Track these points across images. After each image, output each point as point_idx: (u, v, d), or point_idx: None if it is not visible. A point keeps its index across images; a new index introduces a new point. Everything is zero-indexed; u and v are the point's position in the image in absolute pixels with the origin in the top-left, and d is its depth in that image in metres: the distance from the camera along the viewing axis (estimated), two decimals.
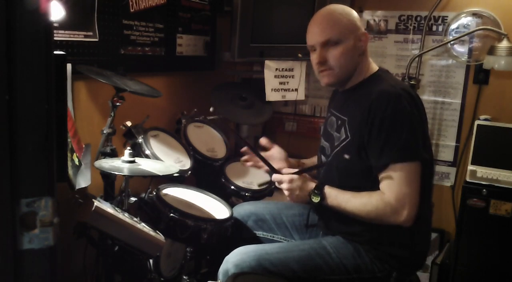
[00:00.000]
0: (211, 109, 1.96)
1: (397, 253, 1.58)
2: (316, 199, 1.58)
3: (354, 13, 1.65)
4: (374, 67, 1.69)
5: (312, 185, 1.61)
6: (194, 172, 2.17)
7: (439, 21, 2.71)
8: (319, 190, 1.59)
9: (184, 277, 2.06)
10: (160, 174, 1.71)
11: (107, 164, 1.69)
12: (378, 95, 1.53)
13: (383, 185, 1.53)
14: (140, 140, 1.99)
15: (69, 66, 1.78)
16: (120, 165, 1.69)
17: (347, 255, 1.59)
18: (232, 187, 2.27)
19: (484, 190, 2.29)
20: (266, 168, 1.77)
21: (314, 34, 1.63)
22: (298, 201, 1.65)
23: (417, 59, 2.67)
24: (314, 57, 1.66)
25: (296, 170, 1.68)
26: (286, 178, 1.64)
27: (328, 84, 1.68)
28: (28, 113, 0.70)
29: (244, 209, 1.94)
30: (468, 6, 2.62)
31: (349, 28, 1.60)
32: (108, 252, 1.67)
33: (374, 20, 2.87)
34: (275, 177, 1.68)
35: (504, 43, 2.36)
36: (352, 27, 1.61)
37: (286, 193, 1.65)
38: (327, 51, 1.61)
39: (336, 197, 1.58)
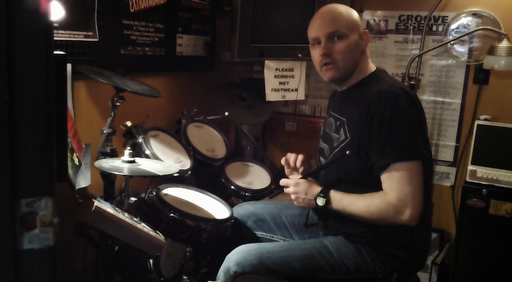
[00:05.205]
0: (226, 113, 1.96)
1: (398, 253, 1.58)
2: (321, 203, 1.58)
3: (356, 13, 1.67)
4: (372, 67, 1.70)
5: (317, 188, 1.62)
6: (194, 172, 2.17)
7: (439, 21, 2.71)
8: (324, 194, 1.59)
9: (184, 277, 2.06)
10: (160, 174, 1.72)
11: (107, 164, 1.69)
12: (376, 95, 1.53)
13: (385, 185, 1.53)
14: (140, 140, 1.99)
15: (69, 66, 1.78)
16: (120, 165, 1.69)
17: (349, 255, 1.59)
18: (232, 187, 2.27)
19: (484, 190, 2.29)
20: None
21: (320, 26, 1.62)
22: (303, 204, 1.64)
23: (417, 59, 2.67)
24: (317, 51, 1.64)
25: (300, 176, 1.69)
26: (292, 182, 1.66)
27: (331, 79, 1.67)
28: (28, 113, 0.70)
29: (243, 209, 1.94)
30: (468, 6, 2.62)
31: (354, 24, 1.62)
32: (108, 252, 1.67)
33: (374, 20, 2.87)
34: (282, 180, 1.69)
35: (504, 43, 2.36)
36: (356, 24, 1.63)
37: (292, 196, 1.66)
38: (333, 44, 1.60)
39: (341, 200, 1.58)
